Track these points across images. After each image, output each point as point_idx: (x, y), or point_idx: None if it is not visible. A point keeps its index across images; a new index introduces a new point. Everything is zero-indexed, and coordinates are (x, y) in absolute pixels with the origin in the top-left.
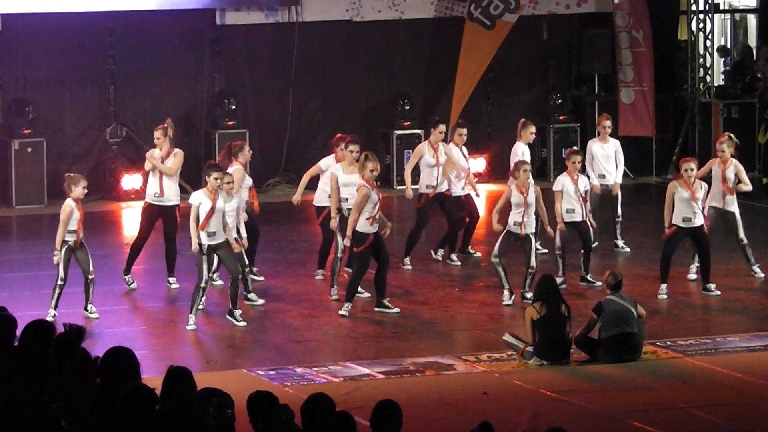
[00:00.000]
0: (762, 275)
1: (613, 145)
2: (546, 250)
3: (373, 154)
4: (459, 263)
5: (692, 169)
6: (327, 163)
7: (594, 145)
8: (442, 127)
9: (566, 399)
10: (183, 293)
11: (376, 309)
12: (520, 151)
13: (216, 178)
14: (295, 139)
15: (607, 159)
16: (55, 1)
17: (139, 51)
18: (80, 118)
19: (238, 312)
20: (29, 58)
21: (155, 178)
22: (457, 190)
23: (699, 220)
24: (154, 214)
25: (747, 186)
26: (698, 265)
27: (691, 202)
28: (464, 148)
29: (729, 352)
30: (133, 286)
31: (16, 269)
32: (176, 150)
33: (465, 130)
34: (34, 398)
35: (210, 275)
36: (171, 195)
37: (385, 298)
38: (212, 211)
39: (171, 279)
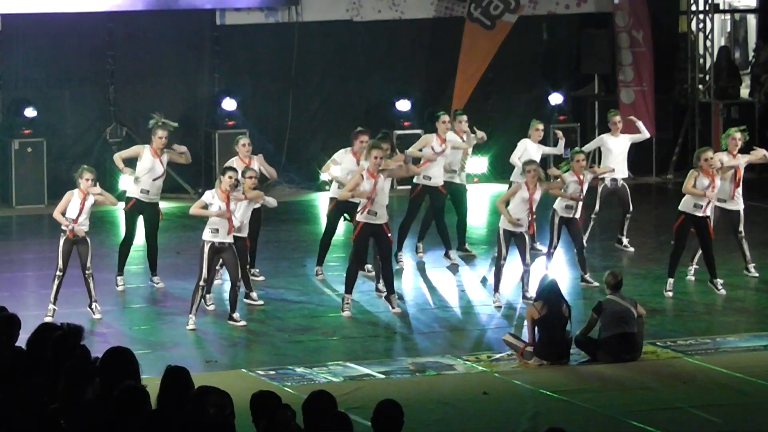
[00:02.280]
0: (756, 275)
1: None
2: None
3: (377, 141)
4: (457, 261)
5: (711, 158)
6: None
7: (609, 141)
8: (444, 117)
9: (566, 399)
10: (184, 293)
11: (385, 302)
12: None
13: (230, 177)
14: (295, 139)
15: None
16: (55, 1)
17: (139, 51)
18: (80, 118)
19: (236, 314)
20: (29, 58)
21: (149, 177)
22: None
23: (708, 210)
24: (137, 211)
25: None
26: (697, 267)
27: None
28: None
29: (729, 352)
30: (160, 285)
31: (16, 269)
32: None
33: (465, 117)
34: (32, 398)
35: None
36: (158, 193)
37: (394, 293)
38: (228, 211)
39: (155, 278)
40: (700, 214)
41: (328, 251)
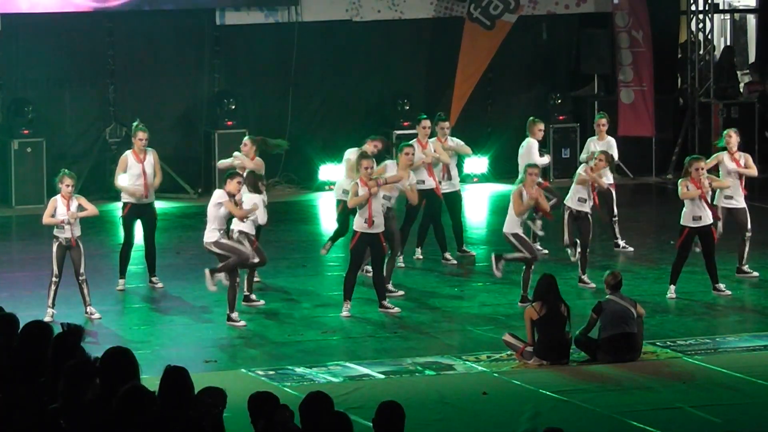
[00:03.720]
0: (756, 274)
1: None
2: (547, 251)
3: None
4: (455, 262)
5: (702, 168)
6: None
7: (593, 144)
8: (425, 123)
9: (566, 399)
10: (184, 293)
11: (380, 310)
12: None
13: (239, 182)
14: (295, 139)
15: None
16: (55, 1)
17: (139, 51)
18: (80, 118)
19: (235, 314)
20: (29, 58)
21: (139, 181)
22: (446, 186)
23: (708, 219)
24: (134, 215)
25: (754, 170)
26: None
27: (700, 201)
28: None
29: (729, 352)
30: (159, 285)
31: (16, 269)
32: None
33: (447, 124)
34: (33, 398)
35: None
36: (152, 194)
37: (385, 299)
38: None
39: (154, 279)
40: (701, 224)
41: (331, 252)
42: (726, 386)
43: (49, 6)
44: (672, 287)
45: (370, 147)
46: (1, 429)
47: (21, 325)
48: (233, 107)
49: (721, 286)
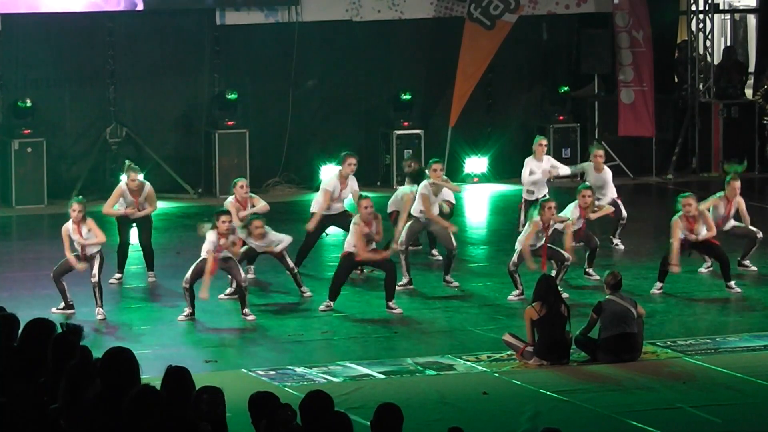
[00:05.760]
0: (738, 290)
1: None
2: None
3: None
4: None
5: (690, 204)
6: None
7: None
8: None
9: (566, 399)
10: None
11: (387, 310)
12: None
13: (224, 221)
14: (295, 139)
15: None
16: (55, 1)
17: (140, 51)
18: (80, 118)
19: (246, 310)
20: (29, 58)
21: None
22: None
23: (702, 235)
24: (129, 220)
25: (747, 223)
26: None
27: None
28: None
29: (729, 352)
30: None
31: (16, 269)
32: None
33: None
34: (33, 398)
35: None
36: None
37: (392, 300)
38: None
39: (150, 273)
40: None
41: (331, 252)
42: (726, 386)
43: (48, 6)
44: (659, 284)
45: (345, 167)
46: (1, 429)
47: (21, 325)
48: (233, 107)
49: (732, 283)
